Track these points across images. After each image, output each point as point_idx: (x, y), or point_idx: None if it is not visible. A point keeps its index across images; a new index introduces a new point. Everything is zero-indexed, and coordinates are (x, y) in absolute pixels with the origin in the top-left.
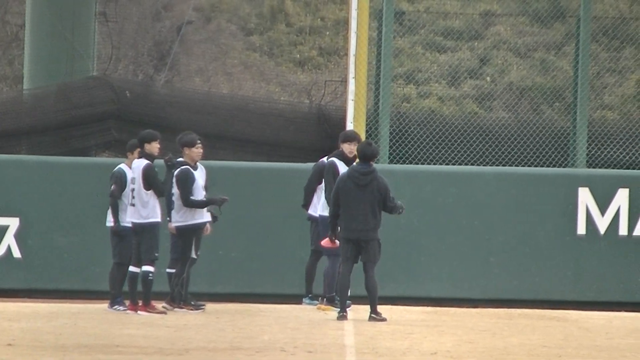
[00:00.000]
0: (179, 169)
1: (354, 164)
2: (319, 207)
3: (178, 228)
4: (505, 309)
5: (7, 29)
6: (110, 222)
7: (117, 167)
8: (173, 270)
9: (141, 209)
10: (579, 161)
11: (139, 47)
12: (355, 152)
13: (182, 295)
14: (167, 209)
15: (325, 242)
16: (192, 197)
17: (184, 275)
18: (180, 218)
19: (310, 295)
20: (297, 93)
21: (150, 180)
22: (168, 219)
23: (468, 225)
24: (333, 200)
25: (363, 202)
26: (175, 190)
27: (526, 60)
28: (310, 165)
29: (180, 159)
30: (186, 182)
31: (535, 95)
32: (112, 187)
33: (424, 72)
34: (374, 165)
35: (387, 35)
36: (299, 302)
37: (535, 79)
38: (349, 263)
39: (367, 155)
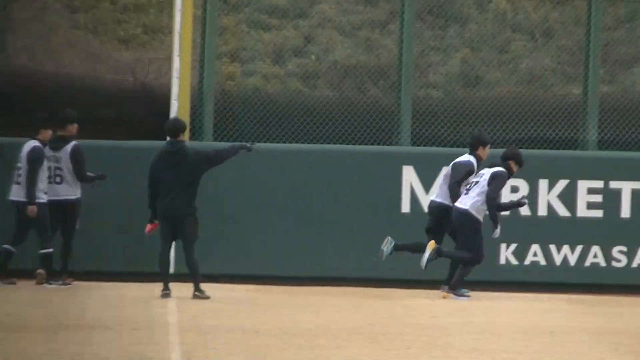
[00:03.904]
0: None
1: (165, 143)
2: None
3: None
4: (335, 287)
5: None
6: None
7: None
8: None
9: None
10: (404, 139)
11: None
12: None
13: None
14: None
15: (148, 229)
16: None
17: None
18: None
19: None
20: (123, 71)
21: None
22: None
23: (292, 204)
24: (148, 182)
25: (176, 181)
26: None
27: (351, 38)
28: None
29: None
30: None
31: (360, 74)
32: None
33: (248, 50)
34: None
35: (212, 13)
36: (121, 280)
37: (360, 57)
38: (168, 240)
39: (176, 129)
